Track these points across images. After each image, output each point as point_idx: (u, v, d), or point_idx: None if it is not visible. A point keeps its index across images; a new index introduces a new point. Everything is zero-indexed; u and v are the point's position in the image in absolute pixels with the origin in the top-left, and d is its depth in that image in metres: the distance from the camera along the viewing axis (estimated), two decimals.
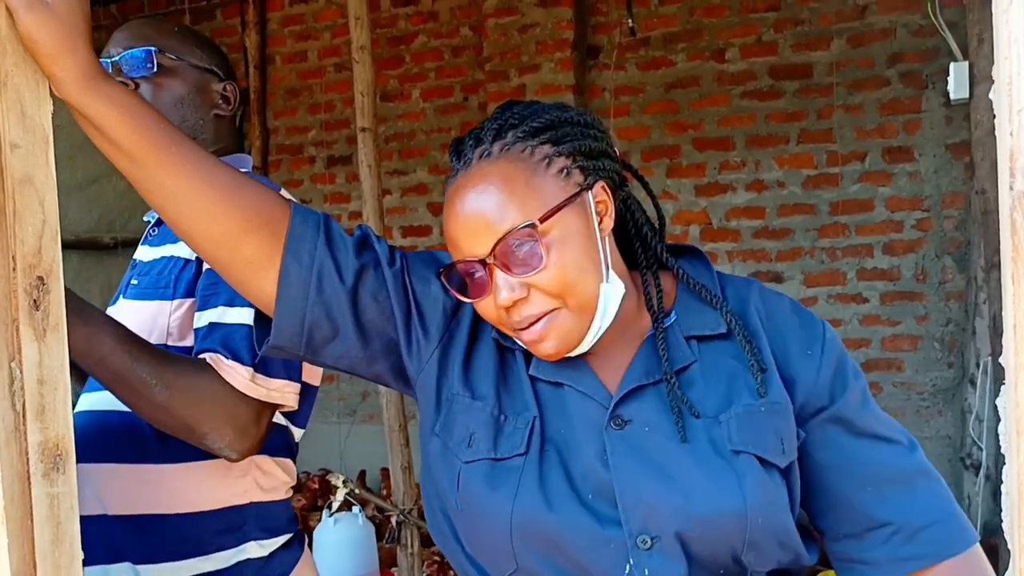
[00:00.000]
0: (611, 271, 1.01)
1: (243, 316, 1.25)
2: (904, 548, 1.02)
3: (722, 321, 1.05)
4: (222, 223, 0.97)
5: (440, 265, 1.07)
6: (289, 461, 1.46)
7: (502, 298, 0.96)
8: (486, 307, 1.01)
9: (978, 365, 3.74)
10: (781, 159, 4.31)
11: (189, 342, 1.30)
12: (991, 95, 0.53)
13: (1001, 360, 0.55)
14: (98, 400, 1.35)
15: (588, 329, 0.99)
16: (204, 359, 1.23)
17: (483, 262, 0.97)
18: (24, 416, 0.77)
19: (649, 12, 4.43)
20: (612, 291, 1.00)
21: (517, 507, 0.95)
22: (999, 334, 2.62)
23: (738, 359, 1.03)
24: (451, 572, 3.64)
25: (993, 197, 2.20)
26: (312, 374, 1.39)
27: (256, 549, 1.37)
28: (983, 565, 1.04)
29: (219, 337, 1.24)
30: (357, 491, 3.27)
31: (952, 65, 2.97)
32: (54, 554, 0.79)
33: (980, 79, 2.37)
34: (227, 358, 1.23)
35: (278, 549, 1.40)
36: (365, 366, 1.07)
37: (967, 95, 2.58)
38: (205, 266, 1.30)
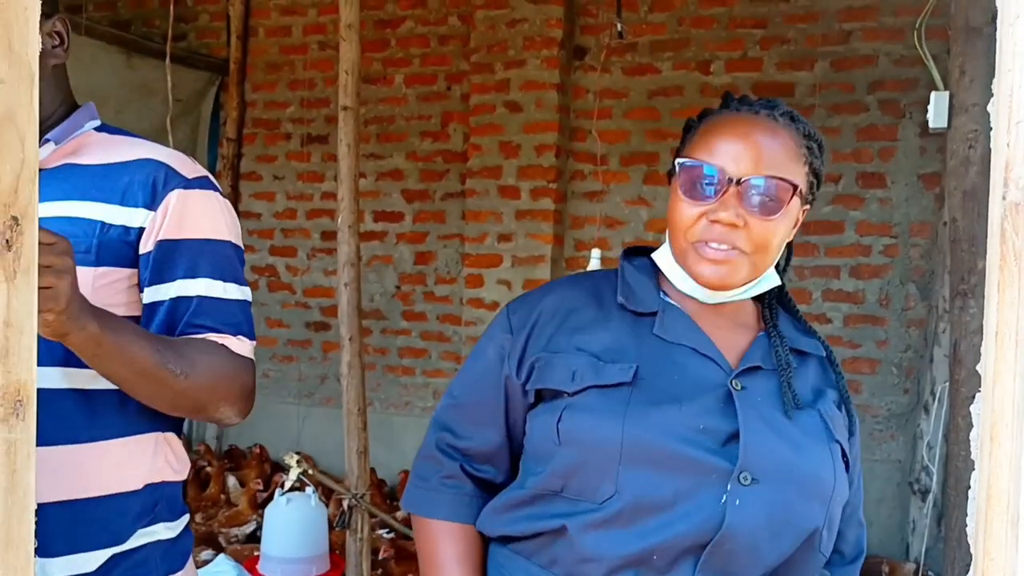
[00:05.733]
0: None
1: (234, 292, 1.28)
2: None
3: (819, 345, 1.23)
4: None
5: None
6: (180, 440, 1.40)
7: (725, 215, 1.08)
8: (689, 211, 1.13)
9: (933, 393, 3.80)
10: None
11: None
12: (989, 107, 0.54)
13: (979, 368, 0.56)
14: None
15: (743, 285, 1.14)
16: (213, 340, 1.23)
17: (734, 180, 1.08)
18: None
19: (638, 18, 4.45)
20: (770, 276, 1.18)
21: (628, 428, 1.06)
22: (958, 362, 2.68)
23: (819, 380, 1.20)
24: (412, 561, 3.63)
25: (963, 227, 2.24)
26: None
27: (164, 531, 1.31)
28: None
29: (215, 315, 1.25)
30: (310, 471, 3.25)
31: (933, 94, 3.02)
32: (7, 502, 0.77)
33: (959, 110, 2.41)
34: (232, 334, 1.25)
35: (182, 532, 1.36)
36: None
37: (945, 124, 2.63)
38: (151, 239, 1.24)
